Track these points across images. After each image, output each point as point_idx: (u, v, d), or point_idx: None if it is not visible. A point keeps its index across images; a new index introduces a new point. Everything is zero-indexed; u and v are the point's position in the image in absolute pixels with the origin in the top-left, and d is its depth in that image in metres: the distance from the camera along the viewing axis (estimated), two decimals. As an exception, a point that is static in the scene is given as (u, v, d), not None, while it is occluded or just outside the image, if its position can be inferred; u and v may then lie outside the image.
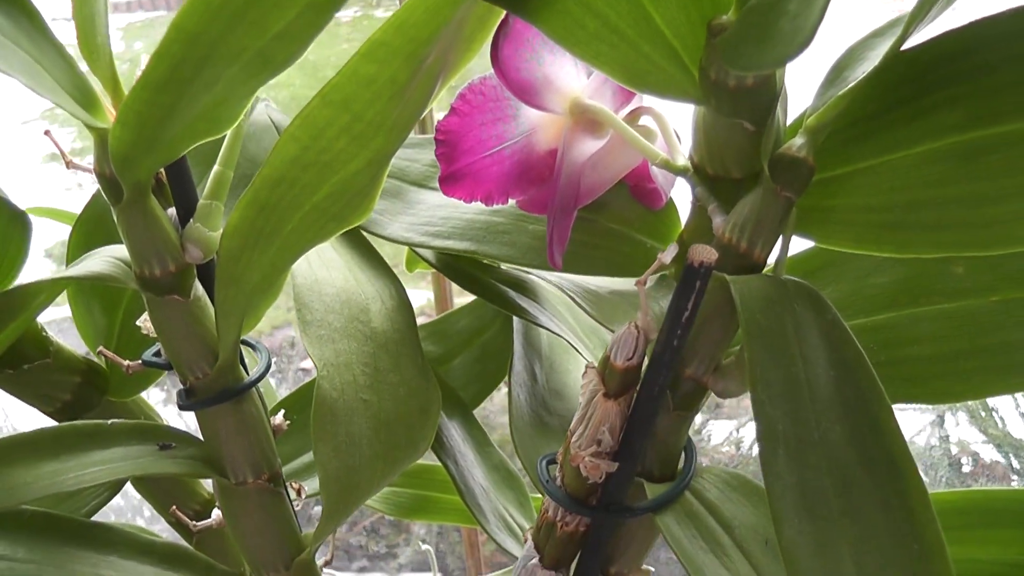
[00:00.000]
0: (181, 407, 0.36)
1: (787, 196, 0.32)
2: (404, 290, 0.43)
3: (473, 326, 0.51)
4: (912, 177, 0.32)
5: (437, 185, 0.44)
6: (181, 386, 0.37)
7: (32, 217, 0.37)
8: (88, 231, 0.41)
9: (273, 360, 0.43)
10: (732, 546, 0.33)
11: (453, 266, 0.44)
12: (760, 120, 0.33)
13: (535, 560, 0.37)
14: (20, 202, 0.37)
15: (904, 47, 0.31)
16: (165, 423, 0.46)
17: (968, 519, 0.41)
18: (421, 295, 1.45)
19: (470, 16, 0.32)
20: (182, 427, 0.40)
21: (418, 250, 0.43)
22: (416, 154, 0.45)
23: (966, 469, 1.30)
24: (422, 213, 0.42)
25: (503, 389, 0.51)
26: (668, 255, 0.32)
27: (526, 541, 0.38)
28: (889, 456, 0.30)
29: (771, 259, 0.33)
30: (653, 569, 0.38)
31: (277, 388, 0.69)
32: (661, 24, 0.31)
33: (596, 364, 0.33)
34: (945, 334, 0.38)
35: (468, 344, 0.51)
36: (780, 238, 0.33)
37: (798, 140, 0.33)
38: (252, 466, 0.38)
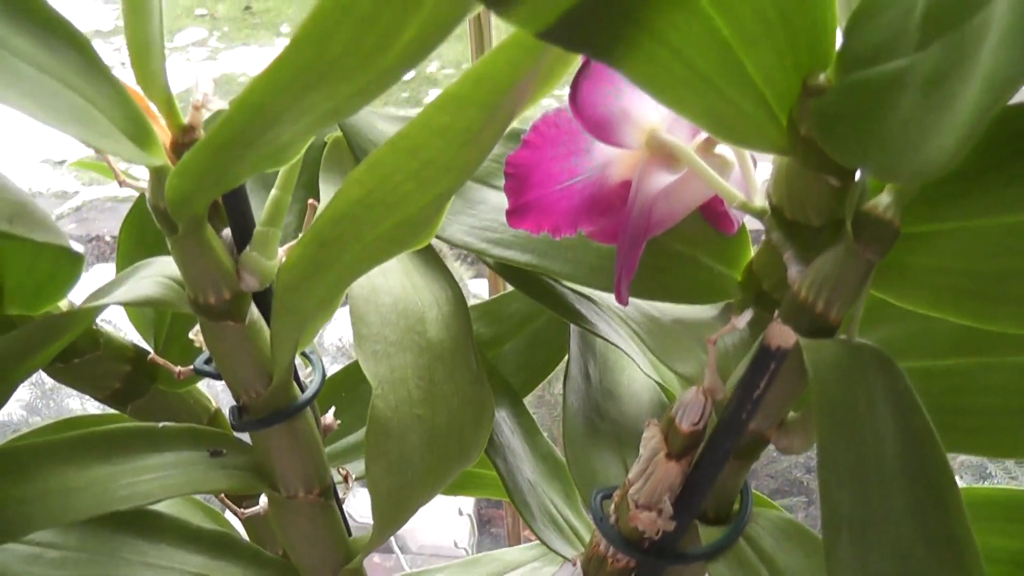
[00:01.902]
0: (234, 427, 0.36)
1: (869, 258, 0.31)
2: (461, 292, 0.42)
3: (525, 311, 0.50)
4: (1003, 245, 0.30)
5: (500, 184, 0.42)
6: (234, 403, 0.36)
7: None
8: (138, 232, 0.40)
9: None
10: (784, 600, 0.33)
11: (510, 266, 0.42)
12: (847, 176, 0.31)
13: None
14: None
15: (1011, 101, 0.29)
16: (216, 407, 0.46)
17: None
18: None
19: (549, 56, 0.30)
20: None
21: (475, 252, 0.42)
22: (481, 148, 0.43)
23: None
24: (484, 215, 0.41)
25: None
26: (742, 320, 0.31)
27: (575, 565, 0.38)
28: (951, 536, 0.29)
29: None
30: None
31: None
32: (752, 71, 0.29)
33: (659, 422, 0.32)
34: (1015, 387, 0.36)
35: (520, 329, 0.50)
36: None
37: (884, 198, 0.31)
38: (304, 481, 0.37)
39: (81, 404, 1.47)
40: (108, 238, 1.85)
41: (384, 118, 0.45)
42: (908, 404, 0.30)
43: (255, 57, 2.63)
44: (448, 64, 2.48)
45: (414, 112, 0.30)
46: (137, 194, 0.37)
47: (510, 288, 0.50)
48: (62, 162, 2.16)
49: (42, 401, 1.55)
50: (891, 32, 0.26)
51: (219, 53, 2.64)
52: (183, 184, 0.28)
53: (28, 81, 0.26)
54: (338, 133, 0.44)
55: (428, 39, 0.24)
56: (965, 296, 0.31)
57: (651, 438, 0.32)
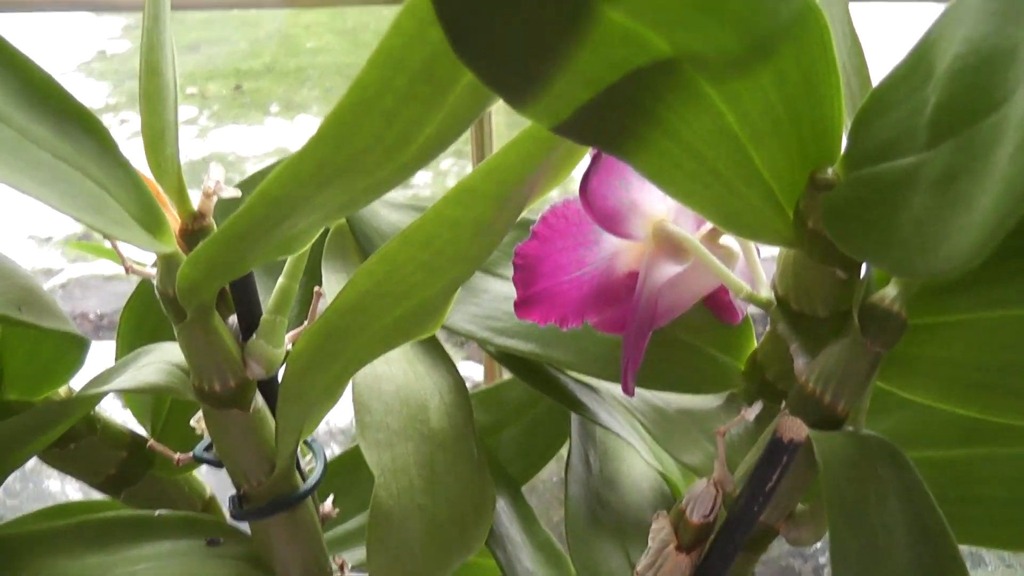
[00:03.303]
0: (234, 516, 0.36)
1: (876, 351, 0.31)
2: (462, 380, 0.42)
3: (524, 398, 0.50)
4: (1011, 338, 0.31)
5: (504, 273, 0.43)
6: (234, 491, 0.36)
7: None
8: (138, 317, 0.40)
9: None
10: None
11: (512, 355, 0.42)
12: (853, 269, 0.31)
13: None
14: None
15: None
16: (210, 493, 0.45)
17: None
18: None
19: (561, 149, 0.31)
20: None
21: (477, 340, 0.42)
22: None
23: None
24: (486, 304, 0.41)
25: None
26: (752, 412, 0.31)
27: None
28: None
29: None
30: None
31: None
32: (760, 165, 0.30)
33: (669, 514, 0.32)
34: (1019, 478, 0.36)
35: (519, 416, 0.50)
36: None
37: (891, 290, 0.31)
38: (304, 571, 0.37)
39: (61, 487, 1.45)
40: (92, 316, 1.84)
41: (387, 205, 0.45)
42: (919, 498, 0.30)
43: (245, 136, 2.64)
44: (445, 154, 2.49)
45: (413, 196, 0.30)
46: (124, 272, 0.37)
47: (508, 375, 0.50)
48: (48, 239, 2.16)
49: (20, 483, 1.53)
50: (899, 130, 0.26)
51: (208, 132, 2.66)
52: (195, 272, 0.28)
53: (46, 169, 0.26)
54: (340, 221, 0.44)
55: (447, 133, 0.24)
56: (972, 388, 0.32)
57: (660, 530, 0.32)
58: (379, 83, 0.21)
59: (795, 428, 0.29)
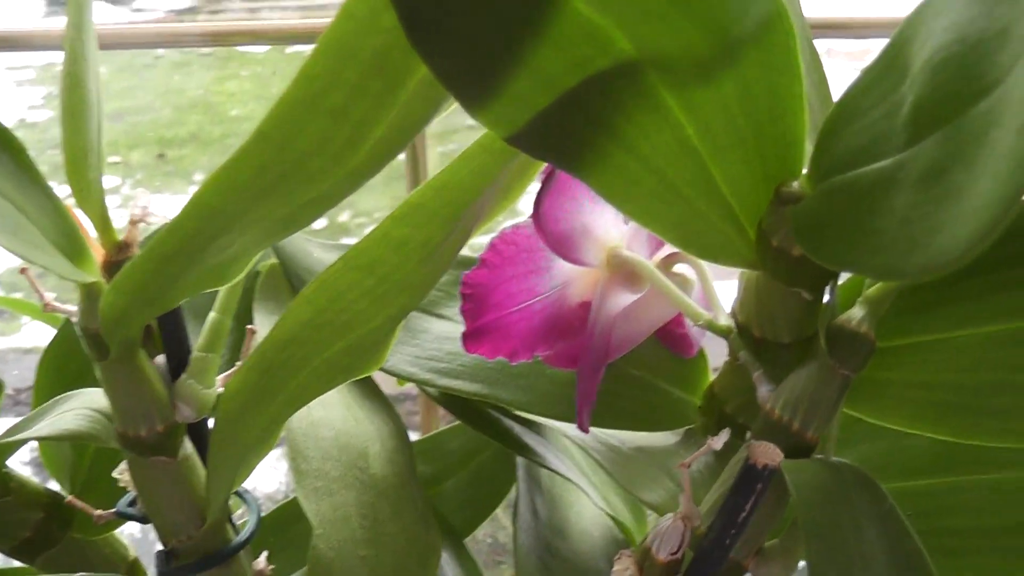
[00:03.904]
0: (162, 573, 0.33)
1: (844, 374, 0.30)
2: (403, 425, 0.40)
3: (467, 447, 0.48)
4: (983, 357, 0.30)
5: (444, 312, 0.41)
6: (161, 547, 0.33)
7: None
8: (56, 368, 0.37)
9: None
10: None
11: (455, 398, 0.40)
12: (818, 290, 0.30)
13: None
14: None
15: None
16: (134, 556, 0.42)
17: None
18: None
19: (513, 167, 0.29)
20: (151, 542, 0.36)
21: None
22: (421, 275, 0.42)
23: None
24: (427, 345, 0.39)
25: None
26: (719, 441, 0.29)
27: None
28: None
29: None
30: None
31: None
32: (720, 181, 0.28)
33: (632, 552, 0.30)
34: (989, 507, 0.35)
35: (462, 466, 0.48)
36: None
37: (857, 311, 0.30)
38: (238, 633, 0.34)
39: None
40: (11, 390, 1.77)
41: (321, 246, 0.43)
42: (895, 526, 0.29)
43: (168, 205, 2.61)
44: (361, 214, 2.48)
45: (348, 243, 0.28)
46: (48, 339, 0.35)
47: (444, 425, 0.48)
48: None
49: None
50: (872, 135, 0.25)
51: (131, 201, 2.62)
52: (119, 300, 0.26)
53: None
54: (272, 260, 0.42)
55: (398, 138, 0.23)
56: (946, 411, 0.30)
57: (624, 571, 0.30)
58: (327, 75, 0.19)
59: (769, 453, 0.27)
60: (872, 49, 0.29)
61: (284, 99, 0.20)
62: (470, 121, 0.23)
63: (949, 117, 0.21)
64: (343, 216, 2.48)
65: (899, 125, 0.23)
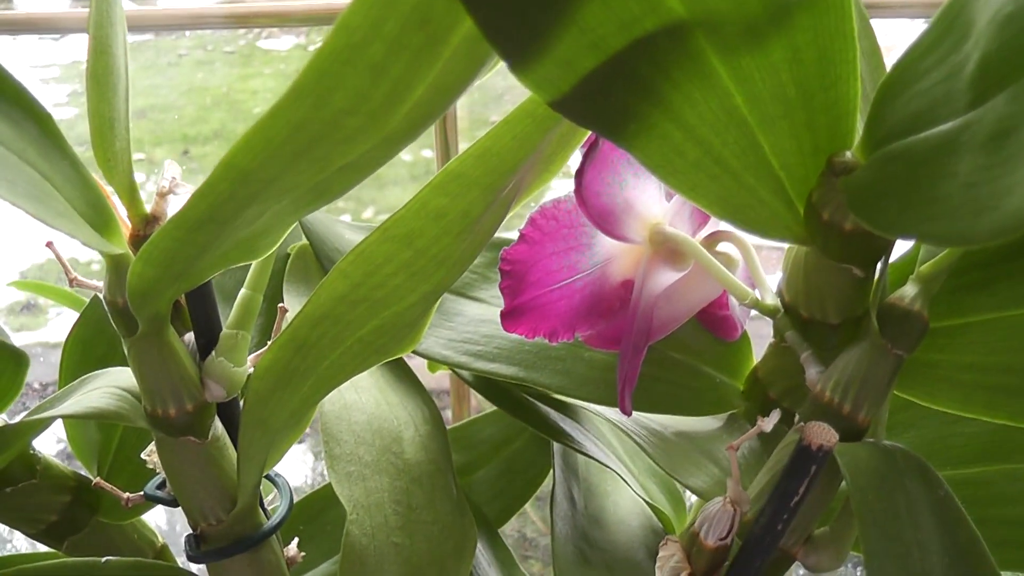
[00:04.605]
0: (191, 558, 0.32)
1: (897, 353, 0.29)
2: (437, 410, 0.39)
3: (499, 436, 0.47)
4: (1042, 337, 0.28)
5: (478, 295, 0.40)
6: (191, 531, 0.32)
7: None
8: (83, 347, 0.37)
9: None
10: None
11: (490, 383, 0.39)
12: (870, 267, 0.29)
13: None
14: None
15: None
16: (162, 542, 0.41)
17: None
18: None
19: (554, 137, 0.28)
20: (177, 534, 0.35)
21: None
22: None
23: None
24: (462, 328, 0.38)
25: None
26: (769, 423, 0.28)
27: None
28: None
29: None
30: None
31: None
32: (769, 153, 0.27)
33: (678, 537, 0.29)
34: (1045, 495, 0.34)
35: (494, 455, 0.47)
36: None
37: (910, 289, 0.29)
38: (267, 620, 0.33)
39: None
40: (36, 385, 1.77)
41: (350, 227, 0.42)
42: (952, 514, 0.27)
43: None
44: (384, 210, 2.47)
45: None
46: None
47: (478, 412, 0.47)
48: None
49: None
50: (931, 99, 0.24)
51: (158, 170, 2.63)
52: (148, 271, 0.25)
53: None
54: (303, 242, 0.41)
55: (436, 100, 0.22)
56: (1000, 393, 0.29)
57: (670, 557, 0.29)
58: (367, 26, 0.18)
59: (824, 434, 0.26)
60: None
61: (321, 51, 0.19)
62: (496, 117, 0.22)
63: (1018, 74, 0.20)
64: (367, 212, 2.48)
65: (962, 86, 0.22)
